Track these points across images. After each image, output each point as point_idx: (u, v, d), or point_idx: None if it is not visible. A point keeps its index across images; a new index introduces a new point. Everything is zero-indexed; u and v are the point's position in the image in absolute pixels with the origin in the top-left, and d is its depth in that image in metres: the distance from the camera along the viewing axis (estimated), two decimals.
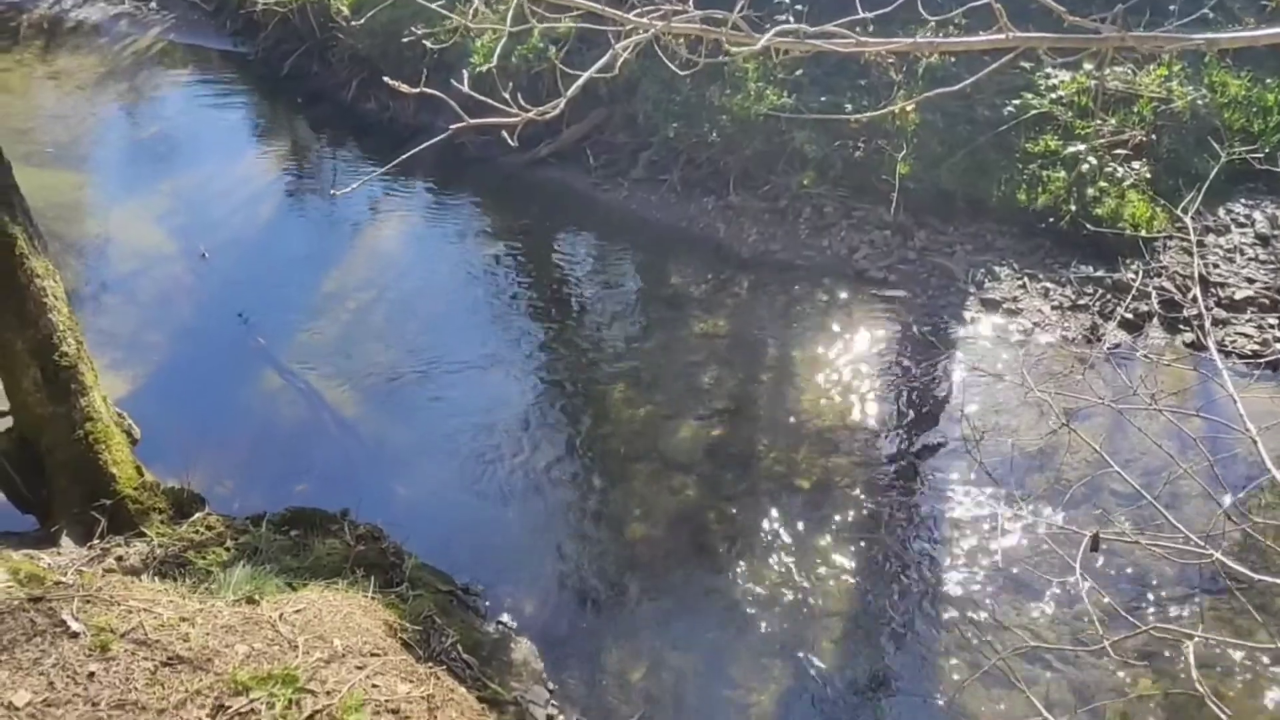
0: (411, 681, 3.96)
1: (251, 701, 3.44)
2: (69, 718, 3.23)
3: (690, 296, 9.33)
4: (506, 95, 3.05)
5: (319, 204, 11.34)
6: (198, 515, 6.21)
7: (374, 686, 3.81)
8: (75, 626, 3.64)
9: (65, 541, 5.83)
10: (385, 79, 3.39)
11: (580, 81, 3.19)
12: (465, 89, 2.90)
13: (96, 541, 5.79)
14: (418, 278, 9.75)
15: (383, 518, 6.46)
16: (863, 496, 6.96)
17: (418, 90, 2.96)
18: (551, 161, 11.50)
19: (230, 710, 3.38)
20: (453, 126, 3.10)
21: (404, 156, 3.47)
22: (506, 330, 8.89)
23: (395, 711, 3.71)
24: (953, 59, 10.28)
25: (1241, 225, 9.51)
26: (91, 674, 3.43)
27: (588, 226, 10.58)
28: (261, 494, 6.88)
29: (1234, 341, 8.10)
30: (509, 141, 3.22)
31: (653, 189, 10.82)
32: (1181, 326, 8.38)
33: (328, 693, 3.64)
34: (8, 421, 6.23)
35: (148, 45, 15.70)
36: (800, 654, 5.84)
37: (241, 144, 12.84)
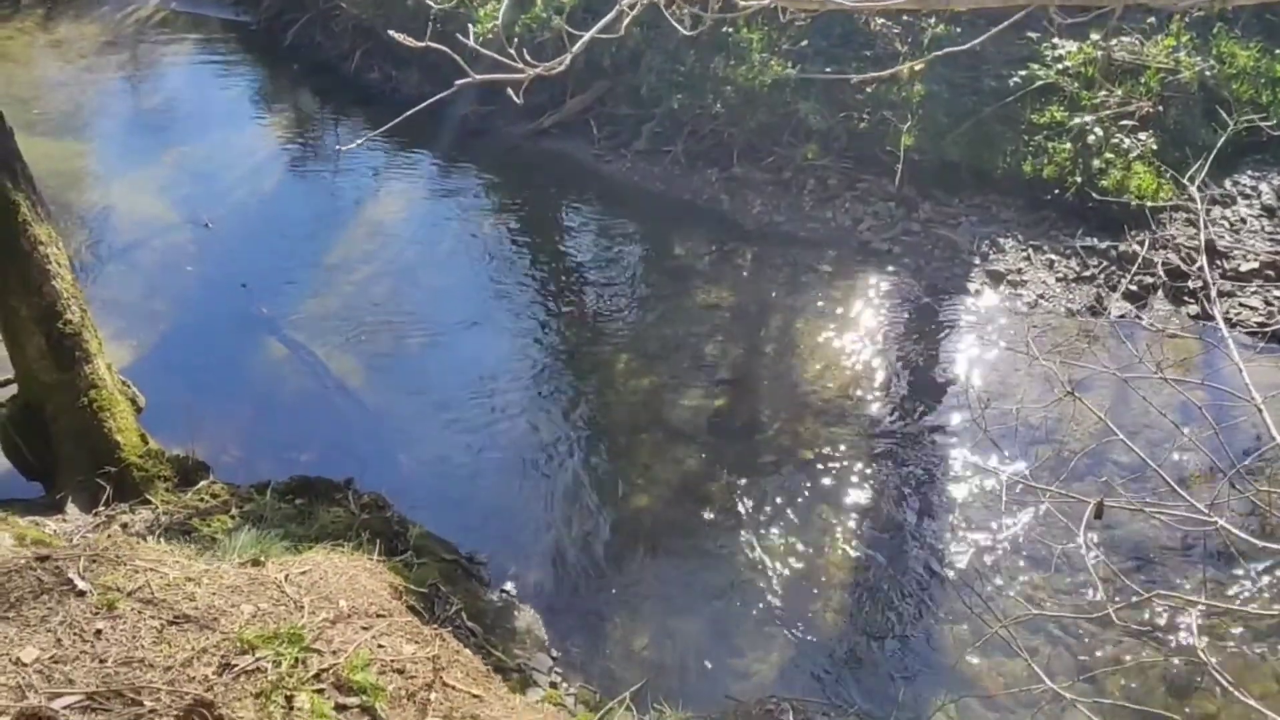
0: (417, 643, 3.98)
1: (258, 660, 3.45)
2: (76, 674, 3.24)
3: (694, 268, 9.31)
4: (512, 51, 3.03)
5: (322, 174, 11.30)
6: (202, 483, 6.24)
7: (380, 647, 3.83)
8: (82, 585, 3.65)
9: (71, 508, 5.85)
10: (390, 33, 3.36)
11: (586, 38, 3.17)
12: (470, 42, 2.88)
13: (102, 508, 5.82)
14: (421, 248, 9.73)
15: (387, 486, 6.49)
16: (866, 466, 6.96)
17: (423, 45, 2.94)
18: (554, 133, 11.44)
19: (236, 668, 3.39)
20: (459, 82, 3.08)
21: (410, 112, 3.46)
22: (509, 302, 8.88)
23: (401, 671, 3.72)
24: (959, 29, 10.20)
25: (1248, 197, 9.47)
26: (98, 631, 3.44)
27: (591, 198, 10.54)
28: (266, 462, 6.89)
29: (1239, 313, 8.08)
30: (514, 98, 3.20)
31: (656, 161, 10.77)
32: (1187, 298, 8.35)
33: (334, 652, 3.65)
34: (13, 389, 6.25)
35: (149, 14, 15.61)
36: (802, 623, 5.86)
37: (244, 114, 12.77)
